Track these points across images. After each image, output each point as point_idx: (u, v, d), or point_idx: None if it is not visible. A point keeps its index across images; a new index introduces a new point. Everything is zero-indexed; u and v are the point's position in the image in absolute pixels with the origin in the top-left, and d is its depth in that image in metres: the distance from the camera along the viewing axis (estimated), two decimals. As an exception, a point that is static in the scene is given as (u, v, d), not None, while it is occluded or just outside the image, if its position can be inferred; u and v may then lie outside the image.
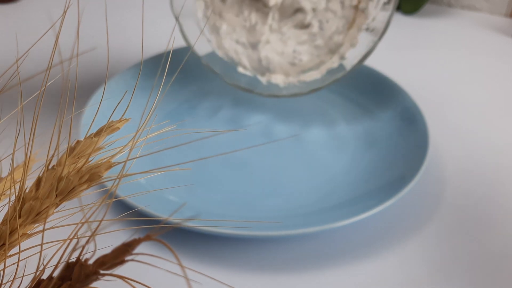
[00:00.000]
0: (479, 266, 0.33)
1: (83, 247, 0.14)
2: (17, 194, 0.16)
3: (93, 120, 0.18)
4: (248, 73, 0.38)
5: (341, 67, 0.39)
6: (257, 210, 0.36)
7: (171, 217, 0.31)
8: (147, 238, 0.13)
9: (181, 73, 0.48)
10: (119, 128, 0.17)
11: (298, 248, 0.34)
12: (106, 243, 0.15)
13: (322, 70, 0.38)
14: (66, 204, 0.16)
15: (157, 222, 0.30)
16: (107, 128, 0.17)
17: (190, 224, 0.32)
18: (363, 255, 0.33)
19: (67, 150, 0.16)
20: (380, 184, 0.37)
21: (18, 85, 0.16)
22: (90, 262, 0.14)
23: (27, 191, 0.16)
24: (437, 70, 0.58)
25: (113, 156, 0.16)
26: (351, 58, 0.38)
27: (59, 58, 0.16)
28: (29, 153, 0.16)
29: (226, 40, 0.38)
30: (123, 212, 0.34)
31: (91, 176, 0.16)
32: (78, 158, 0.16)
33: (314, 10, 0.35)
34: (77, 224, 0.15)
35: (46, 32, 0.16)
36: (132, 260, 0.13)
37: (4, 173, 0.19)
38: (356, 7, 0.35)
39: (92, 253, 0.14)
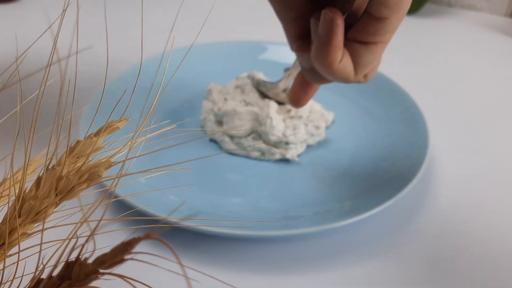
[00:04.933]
0: (478, 266, 0.33)
1: (83, 246, 0.14)
2: (17, 193, 0.16)
3: (93, 120, 0.18)
4: None
5: None
6: (257, 210, 0.36)
7: (170, 217, 0.31)
8: (147, 237, 0.13)
9: (181, 73, 0.48)
10: (119, 128, 0.17)
11: (298, 248, 0.34)
12: (105, 243, 0.15)
13: None
14: (65, 204, 0.16)
15: (157, 221, 0.30)
16: (107, 128, 0.17)
17: (189, 224, 0.32)
18: (363, 255, 0.33)
19: (67, 150, 0.16)
20: (380, 184, 0.37)
21: (18, 84, 0.16)
22: (90, 261, 0.14)
23: (27, 190, 0.16)
24: (437, 70, 0.58)
25: (112, 155, 0.16)
26: None
27: (58, 58, 0.16)
28: (28, 153, 0.16)
29: None
30: (123, 211, 0.34)
31: (91, 176, 0.16)
32: (78, 157, 0.16)
33: None
34: (76, 223, 0.15)
35: (45, 32, 0.16)
36: (131, 259, 0.13)
37: (3, 173, 0.19)
38: None
39: (92, 252, 0.14)
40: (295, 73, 0.41)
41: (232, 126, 0.41)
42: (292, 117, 0.42)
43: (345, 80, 0.28)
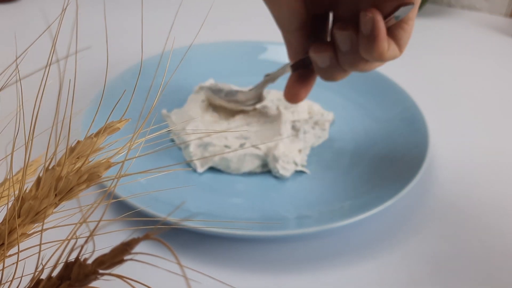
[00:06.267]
0: (479, 265, 0.33)
1: (82, 246, 0.14)
2: (16, 194, 0.16)
3: (93, 120, 0.18)
4: None
5: None
6: (256, 210, 0.36)
7: (170, 217, 0.31)
8: (146, 237, 0.13)
9: (181, 73, 0.48)
10: (119, 128, 0.17)
11: (298, 248, 0.34)
12: (105, 243, 0.15)
13: None
14: (65, 204, 0.16)
15: (157, 222, 0.30)
16: (107, 128, 0.17)
17: (189, 224, 0.32)
18: (363, 255, 0.33)
19: (67, 150, 0.16)
20: (380, 184, 0.37)
21: (17, 85, 0.16)
22: (89, 261, 0.14)
23: (26, 191, 0.16)
24: (437, 70, 0.58)
25: (112, 156, 0.16)
26: None
27: (58, 58, 0.16)
28: (28, 153, 0.16)
29: None
30: (122, 212, 0.34)
31: (90, 176, 0.16)
32: (77, 158, 0.16)
33: None
34: (76, 224, 0.15)
35: (44, 32, 0.16)
36: (131, 259, 0.13)
37: (3, 173, 0.19)
38: None
39: (91, 253, 0.14)
40: (275, 79, 0.40)
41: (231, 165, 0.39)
42: (298, 121, 0.42)
43: (392, 59, 0.31)
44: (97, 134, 0.17)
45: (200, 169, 0.39)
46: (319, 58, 0.33)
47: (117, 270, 0.14)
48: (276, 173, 0.38)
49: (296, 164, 0.39)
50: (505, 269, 0.33)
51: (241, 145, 0.39)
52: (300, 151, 0.40)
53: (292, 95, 0.37)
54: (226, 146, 0.39)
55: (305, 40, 0.33)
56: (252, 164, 0.39)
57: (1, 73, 0.17)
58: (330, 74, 0.34)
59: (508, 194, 0.39)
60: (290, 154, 0.39)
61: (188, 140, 0.40)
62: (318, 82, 0.50)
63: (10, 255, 0.16)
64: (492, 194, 0.39)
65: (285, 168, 0.38)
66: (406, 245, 0.34)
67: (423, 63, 0.59)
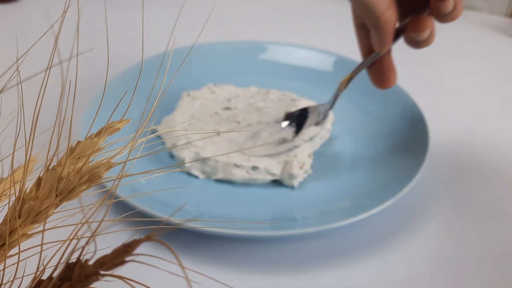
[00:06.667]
0: (478, 265, 0.33)
1: (83, 247, 0.14)
2: (17, 194, 0.16)
3: (94, 121, 0.18)
4: None
5: None
6: (257, 211, 0.36)
7: (171, 218, 0.31)
8: (147, 238, 0.13)
9: (180, 72, 0.48)
10: (119, 128, 0.17)
11: (298, 248, 0.34)
12: (106, 244, 0.15)
13: None
14: (66, 205, 0.16)
15: (158, 222, 0.30)
16: (108, 129, 0.17)
17: (190, 225, 0.32)
18: (363, 255, 0.33)
19: (67, 150, 0.16)
20: (380, 184, 0.37)
21: (18, 86, 0.16)
22: (90, 262, 0.14)
23: (27, 191, 0.16)
24: (437, 70, 0.58)
25: (113, 156, 0.16)
26: None
27: (59, 58, 0.16)
28: (29, 153, 0.16)
29: None
30: (122, 212, 0.34)
31: (91, 177, 0.16)
32: (78, 158, 0.16)
33: None
34: (77, 224, 0.15)
35: (46, 32, 0.16)
36: (132, 260, 0.13)
37: (5, 174, 0.19)
38: None
39: (92, 254, 0.14)
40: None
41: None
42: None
43: None
44: (98, 134, 0.17)
45: (201, 176, 0.39)
46: (422, 35, 0.33)
47: (118, 271, 0.14)
48: (290, 185, 0.38)
49: (306, 171, 0.39)
50: (505, 269, 0.33)
51: (254, 168, 0.38)
52: (310, 155, 0.40)
53: (383, 82, 0.37)
54: (235, 165, 0.37)
55: (396, 17, 0.33)
56: (262, 182, 0.38)
57: (2, 75, 0.17)
58: (426, 43, 0.34)
59: (508, 194, 0.39)
60: (305, 165, 0.38)
61: (185, 157, 0.39)
62: (317, 82, 0.50)
63: (11, 256, 0.16)
64: (492, 194, 0.39)
65: (297, 180, 0.38)
66: (406, 245, 0.34)
67: (423, 63, 0.59)
